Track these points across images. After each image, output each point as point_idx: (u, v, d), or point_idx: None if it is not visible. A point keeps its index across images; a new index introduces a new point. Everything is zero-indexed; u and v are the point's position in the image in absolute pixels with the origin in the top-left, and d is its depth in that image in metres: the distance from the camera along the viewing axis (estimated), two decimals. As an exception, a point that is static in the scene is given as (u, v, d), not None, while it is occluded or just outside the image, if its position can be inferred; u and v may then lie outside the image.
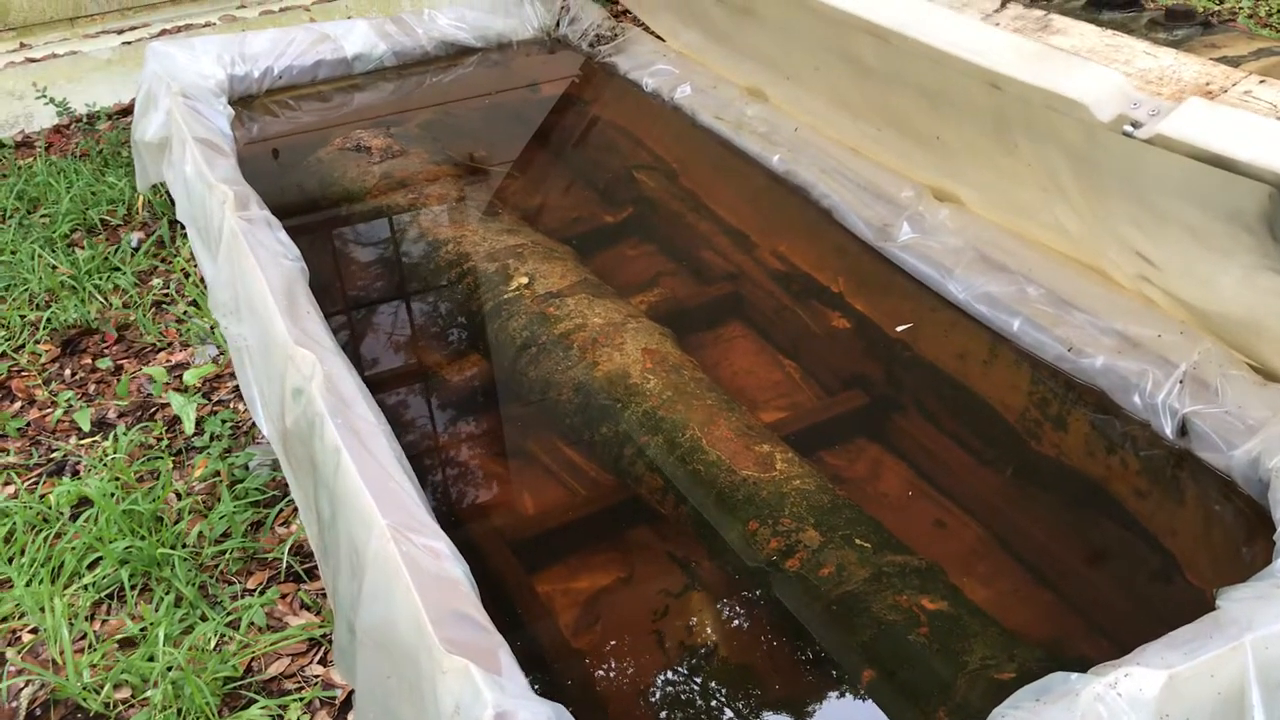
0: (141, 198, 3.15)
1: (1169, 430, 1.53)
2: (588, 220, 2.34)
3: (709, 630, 1.47)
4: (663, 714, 1.37)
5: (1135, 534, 1.55)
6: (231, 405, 2.40)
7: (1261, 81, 2.04)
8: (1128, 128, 1.14)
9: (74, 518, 2.11)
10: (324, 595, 1.92)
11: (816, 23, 1.64)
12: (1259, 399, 1.45)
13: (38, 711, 1.77)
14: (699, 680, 1.41)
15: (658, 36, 2.74)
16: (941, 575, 1.45)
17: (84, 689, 1.76)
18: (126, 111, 3.67)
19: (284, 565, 1.97)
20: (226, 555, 2.01)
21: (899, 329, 1.88)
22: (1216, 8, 4.03)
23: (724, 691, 1.39)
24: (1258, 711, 1.10)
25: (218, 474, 2.18)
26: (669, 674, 1.42)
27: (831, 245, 2.10)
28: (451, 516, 1.65)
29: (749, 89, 2.41)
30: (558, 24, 2.98)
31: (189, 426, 2.24)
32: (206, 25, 3.87)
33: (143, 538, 2.00)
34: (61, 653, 1.82)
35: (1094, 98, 1.19)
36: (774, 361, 1.98)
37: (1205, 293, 1.42)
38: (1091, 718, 1.06)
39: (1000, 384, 1.76)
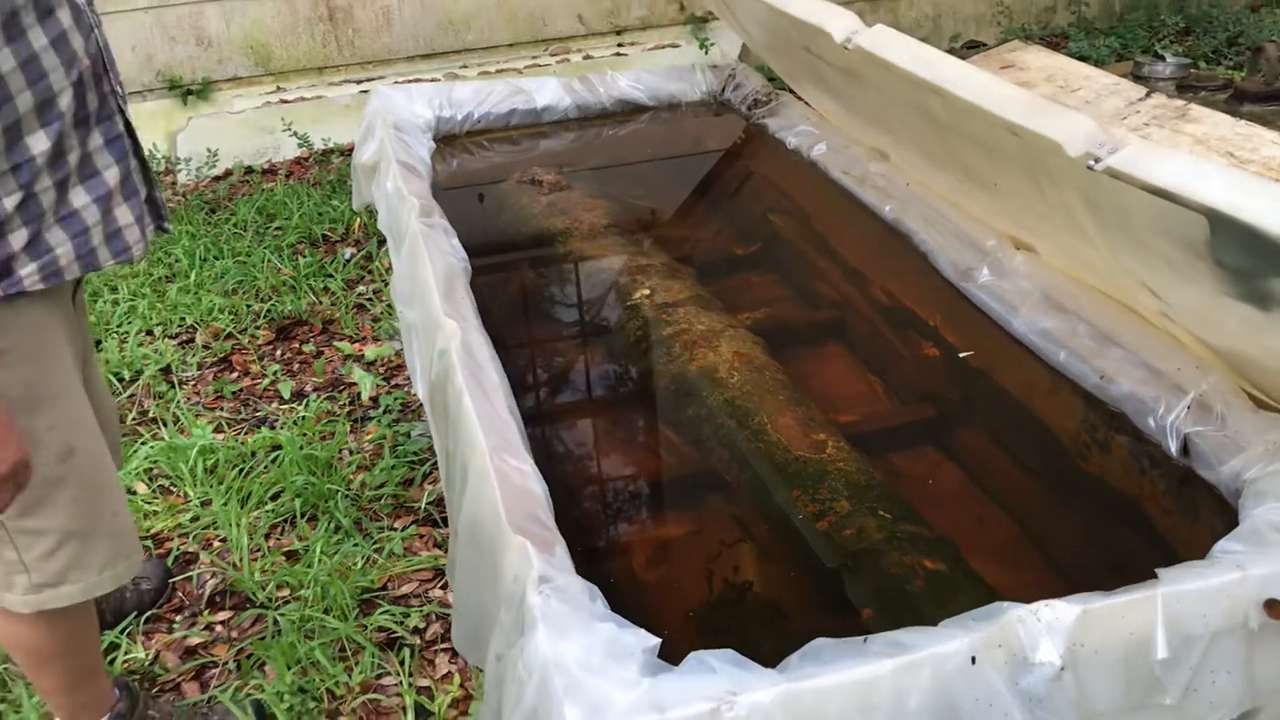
0: (358, 219, 3.67)
1: (1174, 449, 1.73)
2: (719, 251, 2.67)
3: (750, 571, 1.75)
4: (701, 625, 1.65)
5: (1145, 538, 1.74)
6: (404, 388, 2.82)
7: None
8: (1090, 162, 1.39)
9: (266, 460, 2.55)
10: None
11: (898, 83, 1.92)
12: (1250, 423, 1.64)
13: (217, 598, 2.19)
14: (734, 606, 1.69)
15: (806, 102, 3.06)
16: (951, 547, 1.68)
17: (254, 584, 2.17)
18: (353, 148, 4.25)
19: (424, 512, 2.35)
20: (381, 500, 2.40)
21: (961, 355, 2.12)
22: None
23: (752, 615, 1.67)
24: (1161, 650, 1.30)
25: (384, 438, 2.59)
26: (711, 600, 1.71)
27: (926, 285, 2.35)
28: (554, 468, 1.98)
29: (874, 148, 2.70)
30: (723, 89, 3.34)
31: (365, 395, 2.67)
32: (431, 80, 4.43)
33: (316, 477, 2.42)
34: (241, 558, 2.24)
35: (1067, 138, 1.43)
36: (861, 378, 2.25)
37: (1198, 323, 1.63)
38: (1009, 632, 1.28)
39: (1047, 406, 1.98)
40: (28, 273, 1.37)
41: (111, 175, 1.46)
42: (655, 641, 1.34)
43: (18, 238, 1.35)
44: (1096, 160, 1.38)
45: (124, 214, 1.49)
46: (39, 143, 1.33)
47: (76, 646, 1.67)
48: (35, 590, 1.53)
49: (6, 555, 1.51)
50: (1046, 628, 1.29)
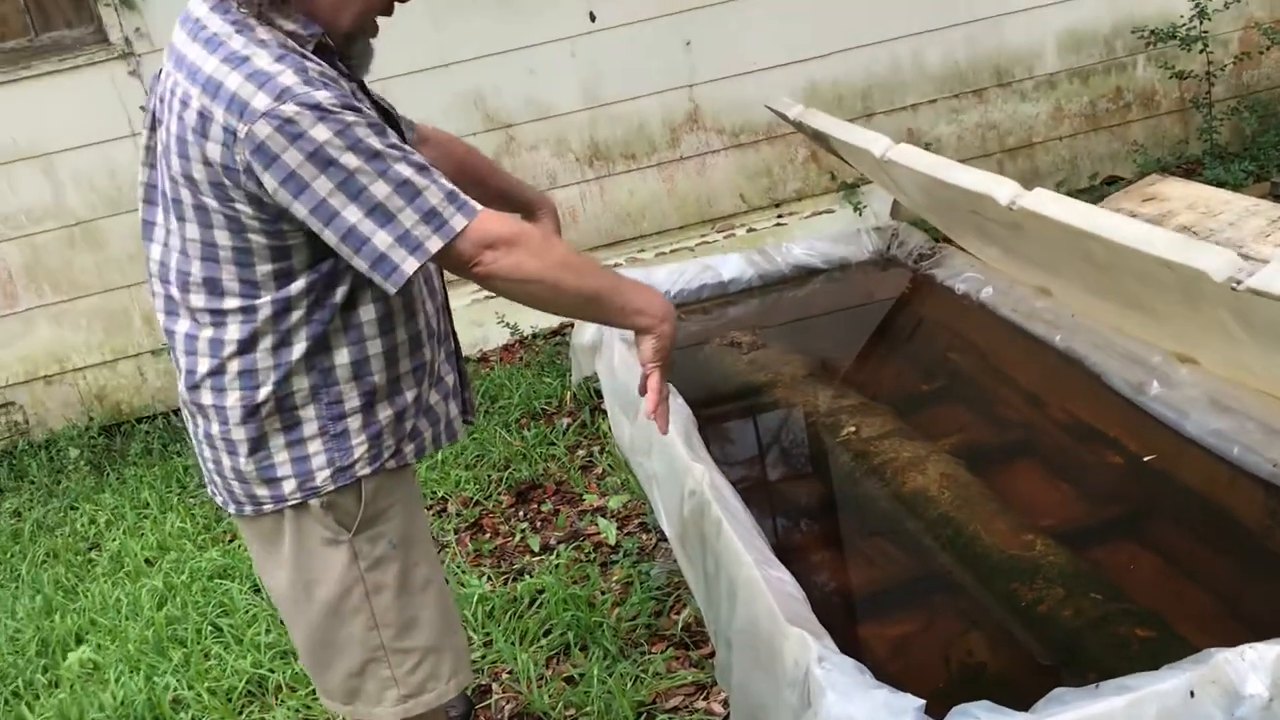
0: (569, 392, 4.14)
1: (1353, 520, 1.98)
2: (907, 389, 3.02)
3: (982, 652, 2.05)
4: (945, 698, 1.94)
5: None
6: (637, 535, 3.21)
7: None
8: (1234, 285, 1.71)
9: (531, 603, 2.95)
10: (706, 658, 2.61)
11: (1059, 233, 2.28)
12: None
13: (513, 720, 2.56)
14: (972, 682, 1.98)
15: (968, 252, 3.43)
16: (1158, 619, 1.95)
17: (545, 705, 2.54)
18: (557, 332, 4.76)
19: (677, 638, 2.70)
20: (636, 630, 2.76)
21: (1146, 458, 2.40)
22: None
23: (989, 688, 1.94)
24: (1354, 678, 1.55)
25: (630, 578, 2.97)
26: (951, 678, 2.00)
27: (1102, 401, 2.65)
28: (799, 579, 2.32)
29: (1037, 287, 3.04)
30: (888, 247, 3.74)
31: (611, 539, 3.06)
32: (616, 265, 4.95)
33: (580, 614, 2.80)
34: (529, 685, 2.62)
35: (1213, 267, 1.76)
36: (1054, 486, 2.54)
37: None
38: (1220, 671, 1.56)
39: (1227, 495, 2.25)
40: (410, 450, 1.82)
41: (450, 380, 1.91)
42: (921, 702, 1.66)
43: (409, 424, 1.80)
44: (1239, 282, 1.70)
45: (453, 408, 1.94)
46: (426, 353, 1.79)
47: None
48: (402, 701, 1.91)
49: (381, 673, 1.90)
50: (1251, 666, 1.57)
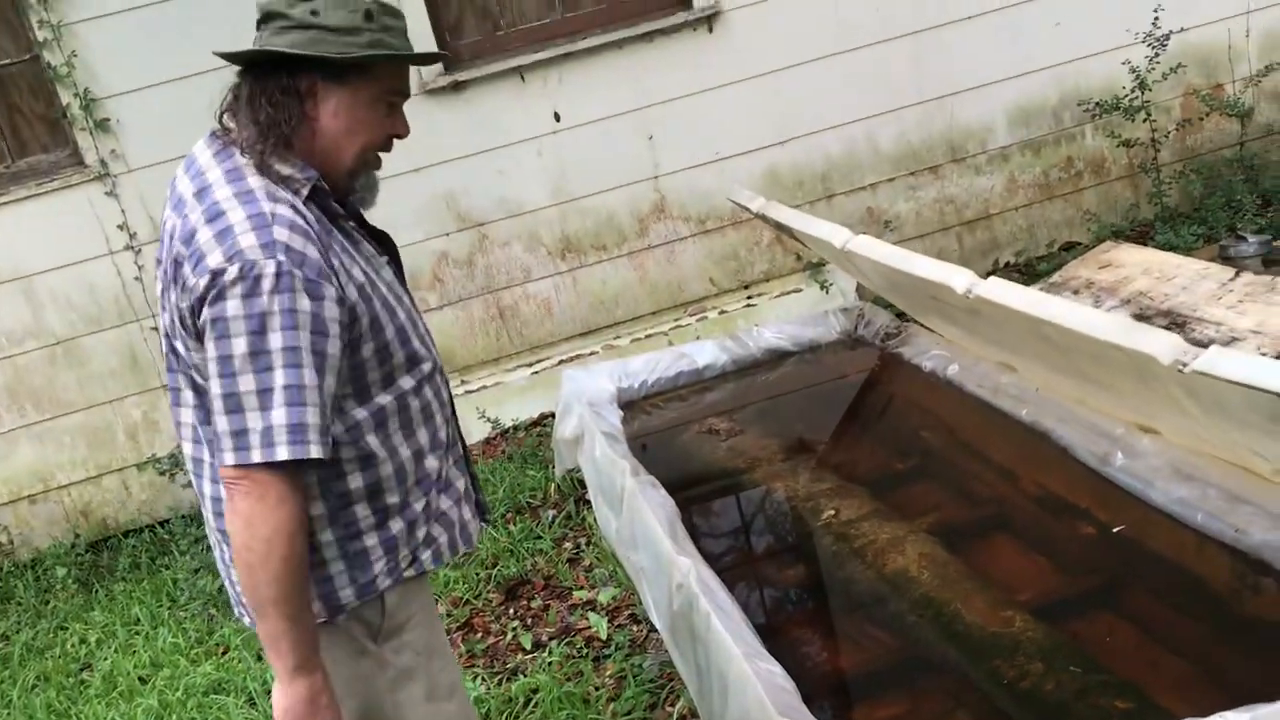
0: (552, 484, 4.20)
1: (1312, 582, 2.06)
2: (882, 468, 3.09)
3: (967, 734, 2.11)
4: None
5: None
6: (628, 627, 3.25)
7: None
8: (1180, 368, 1.81)
9: (527, 703, 2.98)
10: (702, 748, 2.65)
11: (1015, 318, 2.39)
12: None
13: (516, 822, 2.58)
14: (960, 765, 2.04)
15: (932, 331, 3.54)
16: (1134, 690, 2.02)
17: (545, 806, 2.57)
18: (537, 423, 4.83)
19: (673, 729, 2.74)
20: (632, 723, 2.80)
21: (1115, 529, 2.48)
22: None
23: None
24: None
25: (623, 671, 3.01)
26: (939, 762, 2.06)
27: (1070, 472, 2.74)
28: (788, 667, 2.37)
29: (1001, 363, 3.14)
30: (856, 327, 3.85)
31: (603, 634, 3.10)
32: (592, 354, 5.05)
33: (576, 712, 2.84)
34: (528, 786, 2.65)
35: (1159, 350, 1.86)
36: (1028, 559, 2.61)
37: (1303, 475, 1.99)
38: (1195, 741, 1.63)
39: (1195, 561, 2.33)
40: (426, 558, 1.88)
41: (460, 485, 1.98)
42: (914, 788, 1.71)
43: (421, 532, 1.86)
44: (1185, 365, 1.80)
45: (466, 512, 2.00)
46: (432, 463, 1.86)
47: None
48: None
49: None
50: (1223, 734, 1.63)
